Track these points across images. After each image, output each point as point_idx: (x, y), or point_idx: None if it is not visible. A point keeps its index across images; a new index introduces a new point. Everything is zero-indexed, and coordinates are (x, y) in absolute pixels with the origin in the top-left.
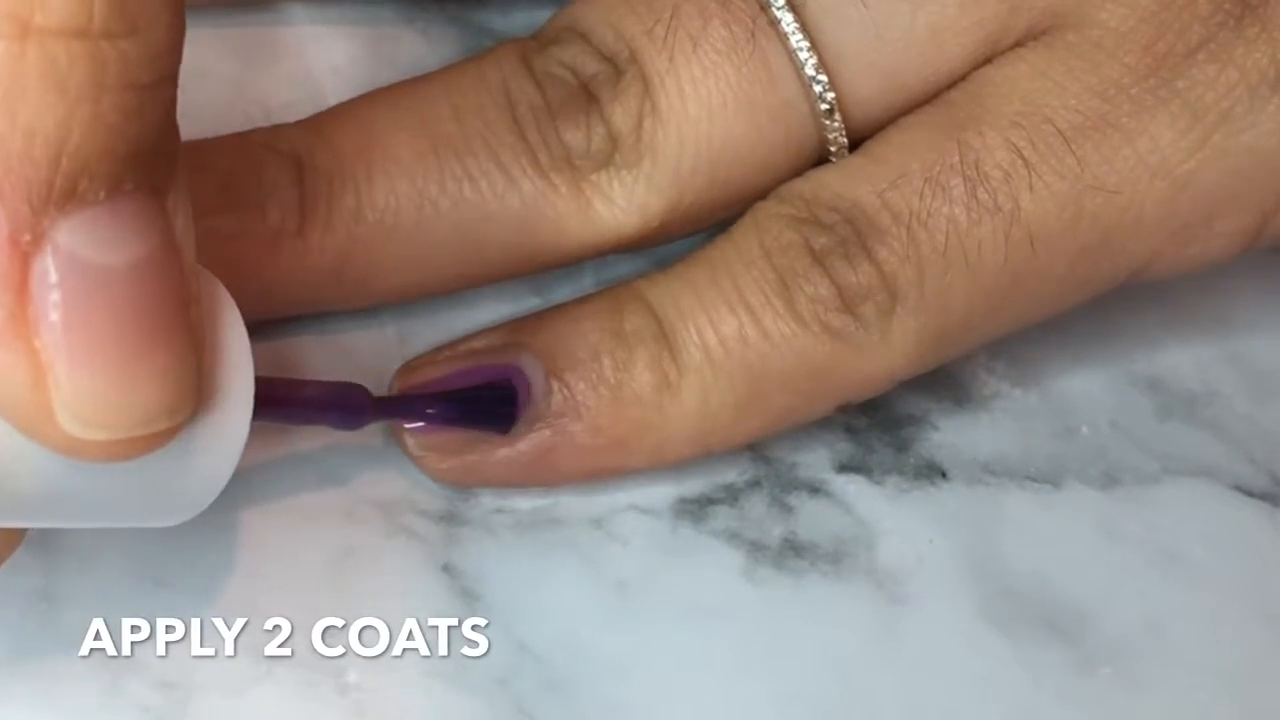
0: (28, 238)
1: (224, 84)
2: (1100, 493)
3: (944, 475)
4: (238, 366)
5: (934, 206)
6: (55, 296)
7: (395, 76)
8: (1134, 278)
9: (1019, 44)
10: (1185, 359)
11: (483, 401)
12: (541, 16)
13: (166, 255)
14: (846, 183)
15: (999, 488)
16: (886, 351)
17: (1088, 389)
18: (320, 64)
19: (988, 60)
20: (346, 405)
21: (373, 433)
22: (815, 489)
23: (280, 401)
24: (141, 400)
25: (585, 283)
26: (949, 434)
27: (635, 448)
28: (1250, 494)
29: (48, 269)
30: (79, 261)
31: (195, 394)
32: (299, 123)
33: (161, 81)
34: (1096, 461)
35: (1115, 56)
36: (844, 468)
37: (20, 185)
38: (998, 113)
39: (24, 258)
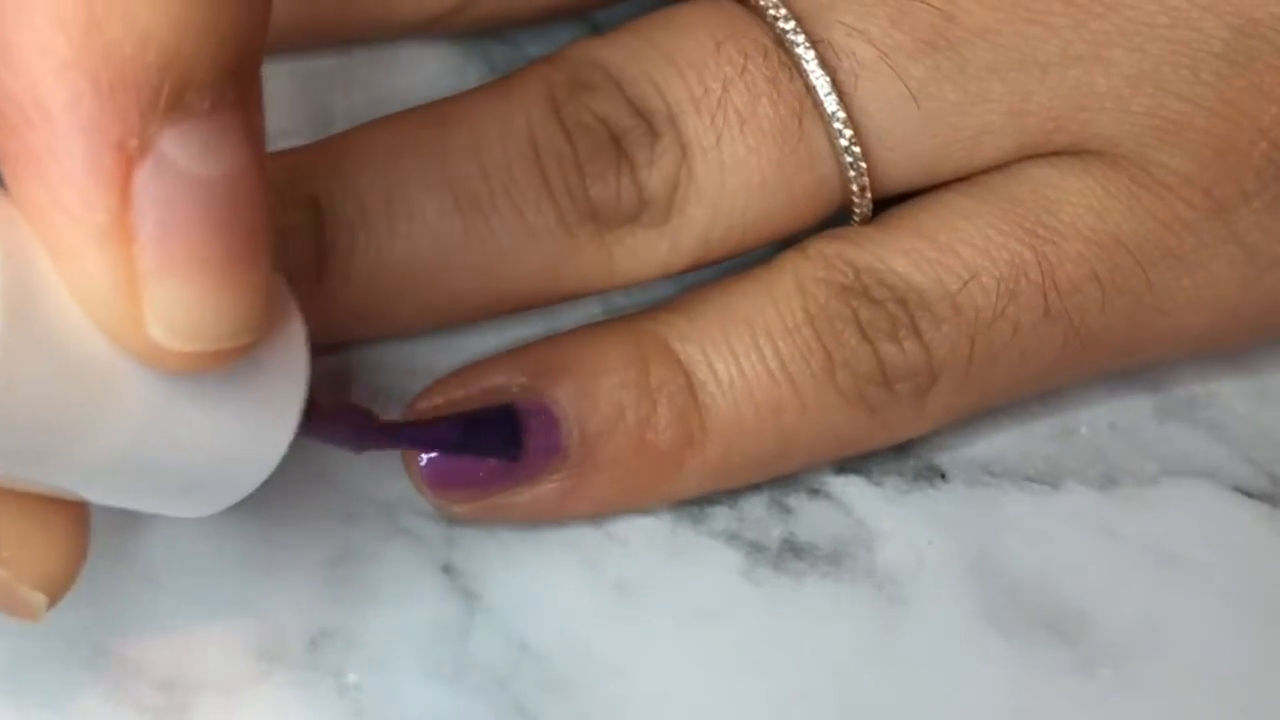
0: (134, 143)
1: None
2: (1099, 493)
3: (943, 476)
4: (293, 320)
5: (1003, 309)
6: (156, 205)
7: (398, 81)
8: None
9: (1058, 154)
10: (1184, 360)
11: (486, 426)
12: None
13: (256, 170)
14: (909, 266)
15: (998, 489)
16: (915, 422)
17: (1087, 390)
18: (324, 67)
19: (1024, 158)
20: (352, 423)
21: None
22: (814, 490)
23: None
24: (226, 313)
25: (593, 305)
26: (948, 435)
27: (651, 495)
28: (1249, 494)
29: (150, 177)
30: (180, 171)
31: (268, 312)
32: (317, 155)
33: None
34: (1095, 462)
35: (1180, 195)
36: (843, 469)
37: (131, 90)
38: (1072, 225)
39: (129, 163)
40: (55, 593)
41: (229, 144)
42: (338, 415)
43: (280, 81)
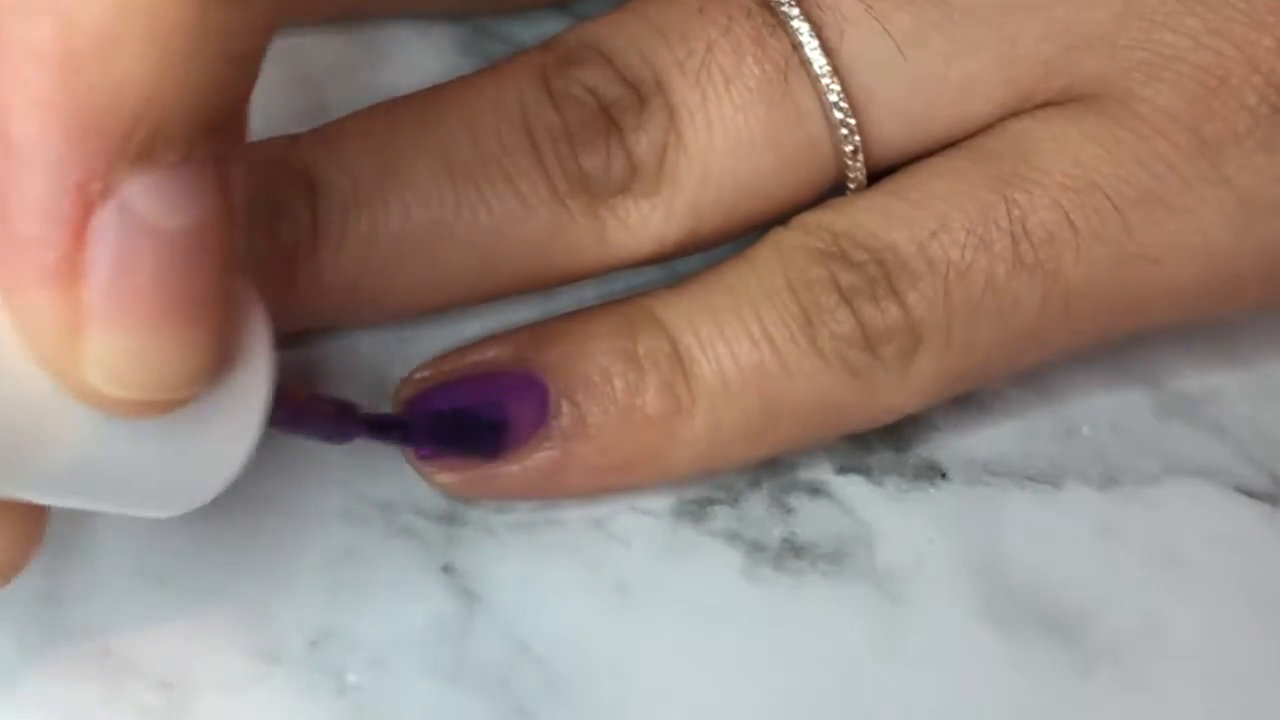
0: (97, 187)
1: None
2: (1100, 493)
3: (944, 476)
4: (258, 358)
5: (974, 260)
6: (110, 250)
7: (394, 76)
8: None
9: (1049, 103)
10: (1185, 359)
11: (472, 427)
12: (541, 17)
13: (221, 225)
14: (883, 224)
15: (999, 488)
16: (903, 390)
17: (1088, 389)
18: (320, 62)
19: (1013, 114)
20: (339, 420)
21: None
22: (815, 489)
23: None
24: (169, 366)
25: (587, 291)
26: (949, 434)
27: (641, 469)
28: (1250, 494)
29: (108, 222)
30: (139, 220)
31: (218, 366)
32: (311, 135)
33: (253, 56)
34: (1096, 462)
35: (1164, 134)
36: (844, 468)
37: (100, 136)
38: (1045, 171)
39: (88, 206)
40: (3, 577)
41: (195, 197)
42: (314, 409)
43: (274, 75)
